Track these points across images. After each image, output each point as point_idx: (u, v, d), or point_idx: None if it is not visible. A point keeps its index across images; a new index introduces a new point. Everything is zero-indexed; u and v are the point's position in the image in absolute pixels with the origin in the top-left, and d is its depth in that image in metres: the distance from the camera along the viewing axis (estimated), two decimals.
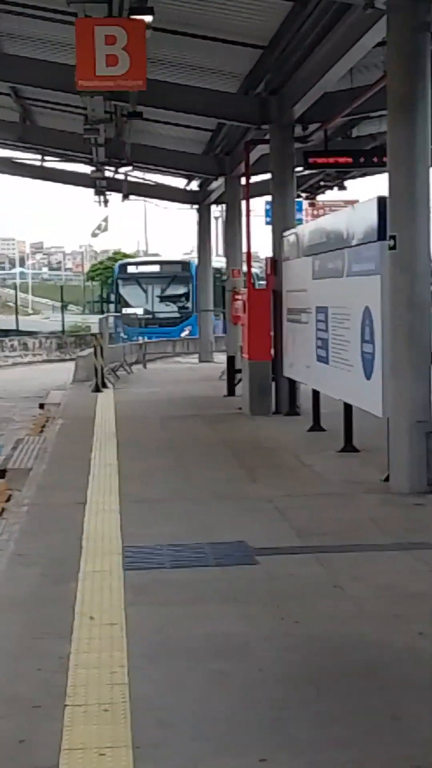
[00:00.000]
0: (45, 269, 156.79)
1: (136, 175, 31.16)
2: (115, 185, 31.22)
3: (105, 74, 12.00)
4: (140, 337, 32.81)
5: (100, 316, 32.68)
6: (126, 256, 64.44)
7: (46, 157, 29.20)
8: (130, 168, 27.75)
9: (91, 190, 32.46)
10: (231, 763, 3.99)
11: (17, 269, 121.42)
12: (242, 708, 4.52)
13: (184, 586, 6.58)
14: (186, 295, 40.05)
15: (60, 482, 10.70)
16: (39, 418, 17.41)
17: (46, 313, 63.03)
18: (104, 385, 21.17)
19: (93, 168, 27.85)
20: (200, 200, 31.55)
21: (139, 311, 38.54)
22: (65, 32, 15.08)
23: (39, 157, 29.39)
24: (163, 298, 40.69)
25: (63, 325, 50.96)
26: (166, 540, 7.87)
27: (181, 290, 40.38)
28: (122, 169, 28.17)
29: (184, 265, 40.87)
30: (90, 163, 27.33)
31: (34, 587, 6.70)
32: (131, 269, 41.90)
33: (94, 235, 50.22)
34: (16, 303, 59.81)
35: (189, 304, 39.41)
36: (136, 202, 48.18)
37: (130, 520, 8.55)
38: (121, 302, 40.13)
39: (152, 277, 40.79)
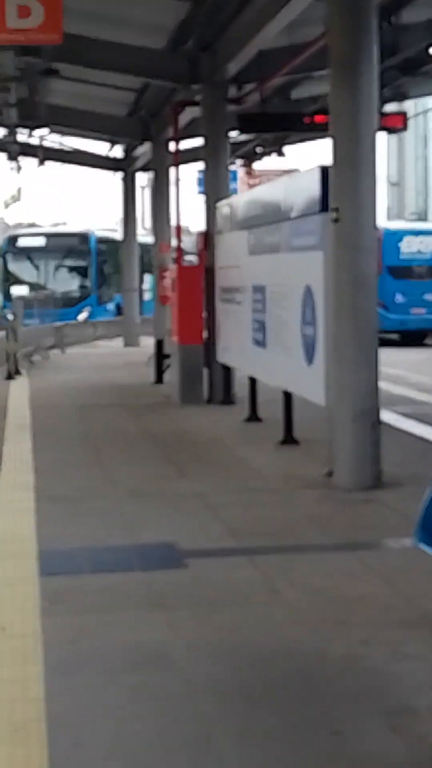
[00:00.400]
0: None
1: (54, 140, 30.97)
2: (29, 150, 30.94)
3: (16, 27, 12.00)
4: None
5: (15, 296, 31.96)
6: None
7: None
8: (46, 131, 27.50)
9: (3, 156, 32.10)
10: None
11: None
12: (165, 725, 4.54)
13: (104, 592, 6.61)
14: (84, 271, 39.43)
15: None
16: None
17: None
18: (17, 372, 21.01)
19: (5, 131, 27.56)
20: (125, 167, 31.52)
21: (24, 291, 36.68)
22: None
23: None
24: (58, 276, 39.61)
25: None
26: (86, 542, 7.87)
27: (78, 266, 39.67)
28: (37, 132, 27.88)
29: (82, 237, 40.06)
30: (1, 125, 27.03)
31: None
32: (22, 242, 40.33)
33: (6, 205, 49.66)
34: None
35: (88, 282, 39.13)
36: (54, 170, 47.85)
37: (46, 520, 8.53)
38: (10, 280, 38.84)
39: (45, 251, 39.60)
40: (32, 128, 26.58)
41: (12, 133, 27.45)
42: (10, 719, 4.61)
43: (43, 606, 6.25)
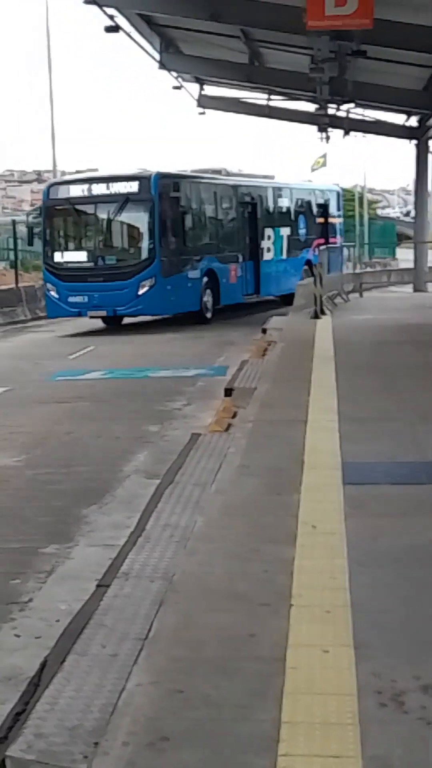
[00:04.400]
0: None
1: (357, 112, 30.67)
2: (336, 122, 30.94)
3: (333, 14, 11.93)
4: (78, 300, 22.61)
5: (322, 247, 30.00)
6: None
7: (272, 96, 29.16)
8: (352, 105, 27.61)
9: (313, 128, 32.27)
10: None
11: None
12: None
13: (399, 501, 6.56)
14: (145, 231, 22.34)
15: (282, 401, 10.75)
16: (260, 342, 17.52)
17: None
18: (322, 312, 21.04)
19: (317, 105, 27.65)
20: (419, 136, 30.67)
21: (79, 257, 22.92)
22: None
23: (265, 96, 29.36)
24: (107, 238, 23.25)
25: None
26: (382, 458, 7.81)
27: (136, 223, 22.61)
28: (344, 107, 28.02)
29: (142, 182, 22.01)
30: (314, 101, 27.13)
31: (259, 496, 6.80)
32: (63, 191, 23.18)
33: (312, 170, 49.69)
34: None
35: (150, 244, 22.03)
36: (354, 140, 46.94)
37: (347, 438, 8.52)
38: (50, 243, 23.44)
39: (92, 203, 22.71)
40: (340, 103, 26.78)
41: (323, 107, 27.45)
42: (321, 604, 4.66)
43: (346, 510, 6.28)
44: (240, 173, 28.31)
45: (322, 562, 5.27)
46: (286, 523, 5.99)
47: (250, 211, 27.01)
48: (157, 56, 24.99)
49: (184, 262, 23.19)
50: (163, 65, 25.38)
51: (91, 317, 23.06)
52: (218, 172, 26.74)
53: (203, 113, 30.57)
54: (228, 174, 27.20)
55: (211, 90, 30.33)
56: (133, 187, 21.99)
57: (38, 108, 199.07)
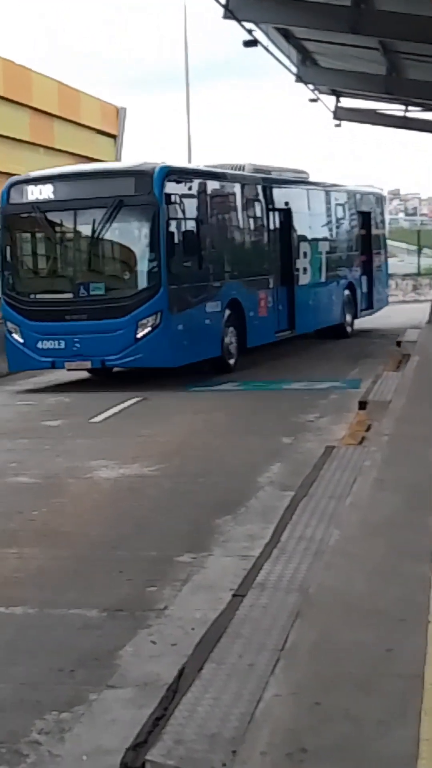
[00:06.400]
0: (401, 215, 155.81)
1: None
2: None
3: None
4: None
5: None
6: None
7: (409, 108, 29.04)
8: None
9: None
10: None
11: None
12: None
13: None
14: (146, 248, 15.63)
15: (418, 416, 10.65)
16: (396, 355, 17.35)
17: (401, 257, 62.51)
18: None
19: None
20: None
21: (53, 285, 16.44)
22: None
23: (402, 107, 29.27)
24: (93, 258, 16.25)
25: (419, 267, 50.02)
26: None
27: (134, 236, 15.93)
28: None
29: (142, 179, 15.42)
30: None
31: (396, 511, 6.76)
32: (30, 192, 15.97)
33: None
34: None
35: (154, 266, 15.38)
36: None
37: None
38: (11, 266, 16.30)
39: (70, 209, 15.97)
40: None
41: None
42: None
43: None
44: (267, 167, 20.51)
45: None
46: (422, 540, 5.92)
47: (283, 219, 19.94)
48: (294, 69, 25.08)
49: (200, 291, 16.18)
50: (300, 78, 25.48)
51: (69, 370, 16.06)
52: (240, 167, 19.25)
53: (339, 125, 30.52)
54: (256, 170, 19.65)
55: (347, 102, 30.34)
56: (129, 185, 15.25)
57: (175, 120, 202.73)
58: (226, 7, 17.31)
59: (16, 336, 15.85)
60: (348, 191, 24.77)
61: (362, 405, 12.08)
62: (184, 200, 15.59)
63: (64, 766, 4.10)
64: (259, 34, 20.99)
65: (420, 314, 24.95)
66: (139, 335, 15.14)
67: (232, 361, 17.15)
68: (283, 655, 4.37)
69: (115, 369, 16.68)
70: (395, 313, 28.39)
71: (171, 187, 15.28)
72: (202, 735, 3.81)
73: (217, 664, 4.42)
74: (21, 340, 15.79)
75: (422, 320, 23.42)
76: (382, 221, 27.91)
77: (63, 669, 5.07)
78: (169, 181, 15.33)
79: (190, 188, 16.18)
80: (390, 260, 30.91)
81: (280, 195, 19.92)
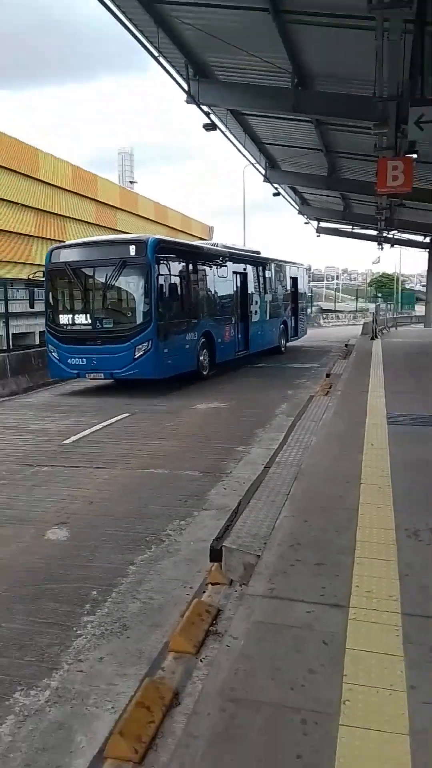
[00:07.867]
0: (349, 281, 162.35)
1: (399, 235, 40.65)
2: (387, 240, 42.42)
3: (391, 184, 15.34)
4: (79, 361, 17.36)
5: (375, 303, 38.45)
6: None
7: (354, 228, 38.55)
8: (395, 231, 35.81)
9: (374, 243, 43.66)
10: None
11: (324, 281, 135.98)
12: None
13: (417, 434, 9.30)
14: (141, 295, 16.71)
15: (355, 381, 14.89)
16: (345, 351, 24.69)
17: (347, 302, 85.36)
18: (376, 337, 28.92)
19: (377, 231, 38.91)
20: (430, 247, 42.18)
21: (78, 320, 17.54)
22: None
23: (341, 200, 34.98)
24: (105, 301, 17.64)
25: (356, 306, 70.47)
26: (409, 411, 10.97)
27: (133, 286, 17.01)
28: (392, 232, 37.63)
29: (139, 246, 16.80)
30: (375, 228, 35.74)
31: (344, 428, 9.35)
32: (64, 255, 17.89)
33: (373, 263, 60.34)
34: (334, 299, 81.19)
35: (146, 307, 16.67)
36: (396, 249, 63.52)
37: (390, 401, 11.74)
38: (52, 306, 18.00)
39: (90, 266, 17.48)
40: (390, 230, 34.59)
41: (380, 232, 36.01)
42: (376, 483, 6.78)
43: (389, 437, 8.89)
44: (233, 247, 23.34)
45: (376, 464, 7.69)
46: (358, 442, 8.30)
47: (241, 279, 23.27)
48: (263, 171, 28.85)
49: (181, 325, 18.12)
50: (267, 179, 29.08)
51: (90, 379, 17.76)
52: (215, 245, 22.09)
53: (302, 214, 36.28)
54: (225, 247, 22.16)
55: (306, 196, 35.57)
56: (130, 251, 16.57)
57: None
58: (188, 92, 17.70)
59: (54, 354, 18.25)
60: (284, 263, 29.32)
61: (327, 375, 18.01)
62: (170, 262, 17.93)
63: (183, 546, 6.29)
64: (237, 148, 23.91)
65: (356, 330, 37.48)
66: (136, 356, 16.90)
67: (205, 372, 19.84)
68: (289, 498, 6.33)
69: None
70: (344, 329, 34.51)
71: (160, 253, 17.22)
72: (249, 534, 6.32)
73: (256, 499, 6.65)
74: (57, 357, 18.13)
75: (357, 334, 34.21)
76: (307, 283, 35.03)
77: (181, 499, 7.27)
78: (159, 248, 17.21)
79: (174, 254, 18.37)
80: (340, 304, 52.90)
81: (239, 263, 23.64)
